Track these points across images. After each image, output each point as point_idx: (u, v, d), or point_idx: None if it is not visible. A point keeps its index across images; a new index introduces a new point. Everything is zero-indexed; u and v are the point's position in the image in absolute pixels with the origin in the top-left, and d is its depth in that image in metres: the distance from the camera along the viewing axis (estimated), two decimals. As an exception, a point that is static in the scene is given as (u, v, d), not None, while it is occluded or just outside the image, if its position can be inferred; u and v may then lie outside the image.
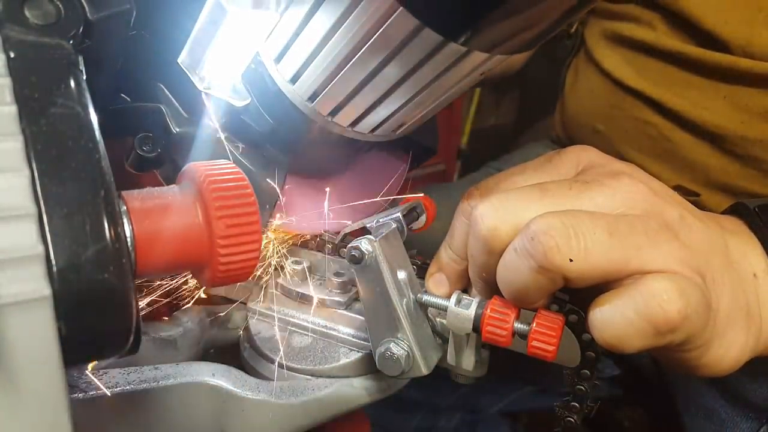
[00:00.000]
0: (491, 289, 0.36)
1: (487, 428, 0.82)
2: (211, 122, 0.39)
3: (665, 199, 0.34)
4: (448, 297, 0.36)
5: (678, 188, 0.70)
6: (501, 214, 0.33)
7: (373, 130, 0.37)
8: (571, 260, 0.29)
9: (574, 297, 0.37)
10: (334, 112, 0.36)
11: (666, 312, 0.28)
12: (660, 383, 0.68)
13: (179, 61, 0.36)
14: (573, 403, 0.39)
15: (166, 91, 0.39)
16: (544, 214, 0.31)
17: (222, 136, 0.40)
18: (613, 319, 0.29)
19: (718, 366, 0.33)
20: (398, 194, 0.46)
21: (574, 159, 0.38)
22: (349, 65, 0.32)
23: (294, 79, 0.35)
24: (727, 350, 0.33)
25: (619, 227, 0.30)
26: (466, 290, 0.39)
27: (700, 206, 0.72)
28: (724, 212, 0.40)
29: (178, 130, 0.39)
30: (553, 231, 0.30)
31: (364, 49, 0.31)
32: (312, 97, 0.35)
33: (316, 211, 0.43)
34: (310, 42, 0.32)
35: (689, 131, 0.67)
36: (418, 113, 0.36)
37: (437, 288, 0.39)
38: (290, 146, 0.40)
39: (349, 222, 0.43)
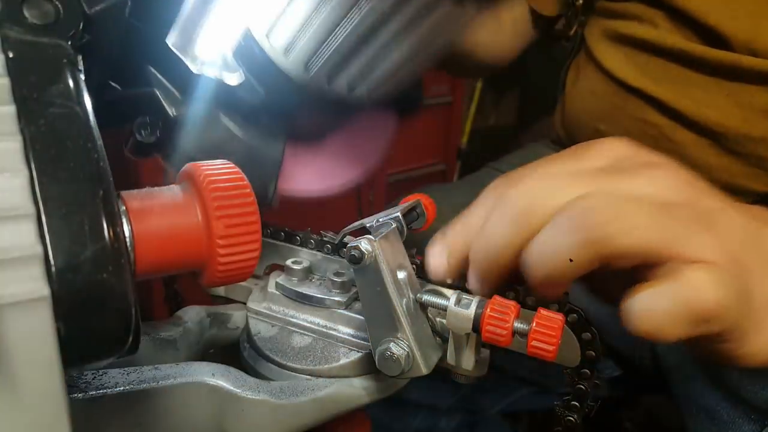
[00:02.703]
0: (488, 285, 0.35)
1: (487, 429, 0.82)
2: (206, 101, 0.39)
3: (703, 190, 0.33)
4: (445, 275, 0.35)
5: None
6: (538, 194, 0.32)
7: (362, 92, 0.38)
8: (615, 237, 0.29)
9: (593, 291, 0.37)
10: (328, 78, 0.36)
11: (704, 302, 0.28)
12: (661, 384, 0.68)
13: (170, 42, 0.36)
14: (573, 403, 0.39)
15: (158, 74, 0.39)
16: (588, 193, 0.31)
17: (219, 113, 0.39)
18: (652, 309, 0.29)
19: (756, 357, 0.33)
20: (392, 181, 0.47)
21: (606, 150, 0.38)
22: (340, 29, 0.32)
23: (286, 49, 0.35)
24: (765, 341, 0.33)
25: (661, 212, 0.30)
26: (466, 290, 0.39)
27: None
28: (755, 202, 0.40)
29: (174, 112, 0.39)
30: (600, 207, 0.30)
31: (354, 8, 0.31)
32: (305, 65, 0.36)
33: (313, 175, 0.43)
34: (300, 10, 0.33)
35: (691, 130, 0.67)
36: (409, 70, 0.37)
37: (435, 258, 0.38)
38: (285, 115, 0.41)
39: (344, 181, 0.43)
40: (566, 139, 0.84)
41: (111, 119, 0.38)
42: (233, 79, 0.37)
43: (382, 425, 0.75)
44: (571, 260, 0.31)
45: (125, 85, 0.40)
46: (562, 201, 0.31)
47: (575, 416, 0.39)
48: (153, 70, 0.39)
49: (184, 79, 0.38)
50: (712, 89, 0.64)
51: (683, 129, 0.68)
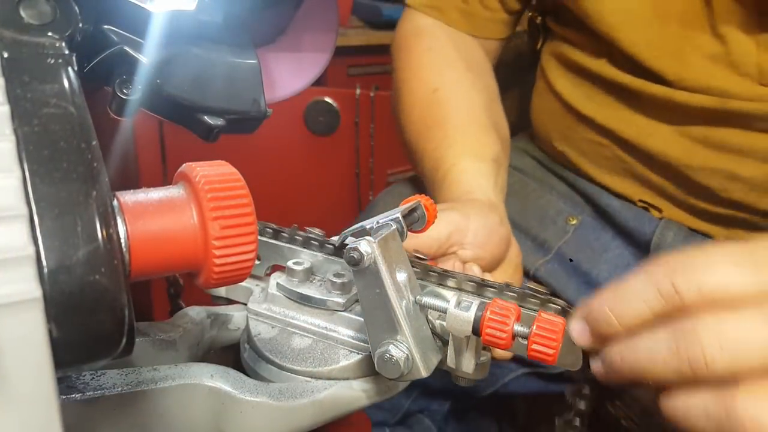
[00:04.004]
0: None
1: (480, 411, 0.82)
2: (172, 37, 0.39)
3: None
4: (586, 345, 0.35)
5: (642, 202, 0.72)
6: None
7: None
8: None
9: None
10: None
11: None
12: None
13: None
14: (585, 392, 0.39)
15: (118, 30, 0.39)
16: None
17: (188, 45, 0.39)
18: None
19: None
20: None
21: None
22: None
23: None
24: None
25: None
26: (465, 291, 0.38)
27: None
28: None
29: (147, 61, 0.39)
30: None
31: None
32: None
33: (288, 73, 0.44)
34: None
35: (640, 158, 0.68)
36: None
37: (577, 327, 0.35)
38: (247, 22, 0.41)
39: (318, 68, 0.46)
40: (544, 146, 0.86)
41: (91, 88, 0.38)
42: (191, 3, 0.37)
43: (373, 405, 0.75)
44: None
45: (92, 54, 0.39)
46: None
47: (577, 419, 0.39)
48: (112, 28, 0.39)
49: (144, 26, 0.38)
50: (654, 120, 0.65)
51: (633, 156, 0.69)
